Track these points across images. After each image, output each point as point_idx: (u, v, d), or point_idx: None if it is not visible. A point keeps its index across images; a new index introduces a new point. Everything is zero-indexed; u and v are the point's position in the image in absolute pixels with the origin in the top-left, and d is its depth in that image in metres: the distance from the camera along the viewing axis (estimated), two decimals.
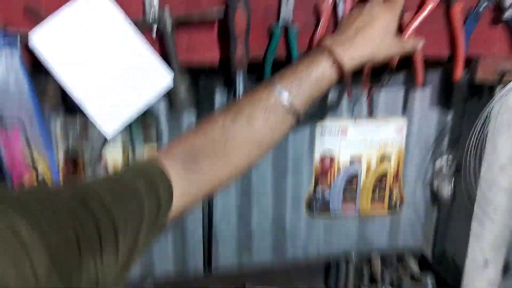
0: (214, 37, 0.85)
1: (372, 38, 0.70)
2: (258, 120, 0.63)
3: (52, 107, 0.85)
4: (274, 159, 1.12)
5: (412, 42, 0.78)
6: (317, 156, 1.13)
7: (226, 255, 1.19)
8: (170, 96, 0.86)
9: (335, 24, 0.86)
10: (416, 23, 0.84)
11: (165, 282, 1.12)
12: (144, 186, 0.54)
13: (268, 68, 0.87)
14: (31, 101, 0.80)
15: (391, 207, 1.20)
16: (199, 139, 0.63)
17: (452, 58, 0.91)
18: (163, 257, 1.16)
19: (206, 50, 0.86)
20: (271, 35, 0.85)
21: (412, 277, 1.12)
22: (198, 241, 1.17)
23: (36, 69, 0.80)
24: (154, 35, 0.82)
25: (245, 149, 0.64)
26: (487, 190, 1.06)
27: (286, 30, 0.85)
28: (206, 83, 1.03)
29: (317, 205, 1.17)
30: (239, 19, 0.79)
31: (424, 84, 0.97)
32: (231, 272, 1.17)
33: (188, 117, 1.06)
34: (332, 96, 1.09)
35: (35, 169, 0.84)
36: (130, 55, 0.80)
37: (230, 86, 1.00)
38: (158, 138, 1.06)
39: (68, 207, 0.42)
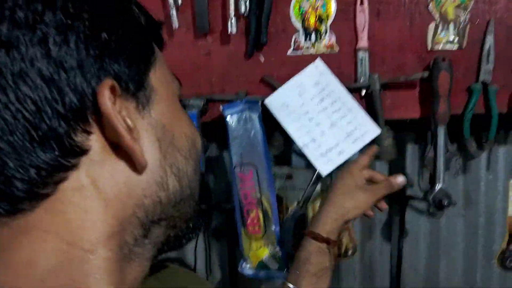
0: (416, 96, 0.97)
1: (334, 202, 0.81)
2: None
3: (276, 153, 1.05)
4: (465, 212, 1.15)
5: (386, 185, 0.83)
6: (511, 211, 1.13)
7: None
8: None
9: None
10: None
11: None
12: None
13: (467, 124, 0.95)
14: (263, 150, 1.00)
15: None
16: None
17: None
18: None
19: (409, 108, 0.97)
20: (470, 93, 0.94)
21: None
22: (385, 286, 1.24)
23: (266, 124, 1.01)
24: (362, 95, 0.97)
25: None
26: None
27: (485, 88, 0.93)
28: (399, 138, 1.13)
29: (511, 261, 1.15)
30: (443, 80, 0.90)
31: None
32: None
33: (380, 168, 1.17)
34: None
35: (261, 206, 1.03)
36: (344, 112, 0.95)
37: (425, 141, 1.10)
38: None
39: None
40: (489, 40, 0.91)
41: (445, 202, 0.94)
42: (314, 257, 0.77)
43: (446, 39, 0.93)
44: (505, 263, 1.16)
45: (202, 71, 1.03)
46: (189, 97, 1.02)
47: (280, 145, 1.04)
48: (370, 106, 0.97)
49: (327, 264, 0.78)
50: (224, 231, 1.29)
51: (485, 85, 0.92)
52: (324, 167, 0.96)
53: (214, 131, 1.16)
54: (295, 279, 0.77)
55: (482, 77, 0.92)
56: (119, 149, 0.35)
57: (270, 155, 1.02)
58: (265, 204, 1.03)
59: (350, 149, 0.95)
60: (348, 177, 0.83)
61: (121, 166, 0.35)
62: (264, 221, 1.03)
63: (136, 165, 0.35)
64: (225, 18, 0.97)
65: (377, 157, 0.99)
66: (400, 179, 0.84)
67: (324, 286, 0.78)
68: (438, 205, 0.95)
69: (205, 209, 1.24)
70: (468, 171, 1.13)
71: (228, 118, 1.00)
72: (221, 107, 1.00)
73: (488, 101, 0.93)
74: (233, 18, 0.95)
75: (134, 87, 0.36)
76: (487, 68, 0.92)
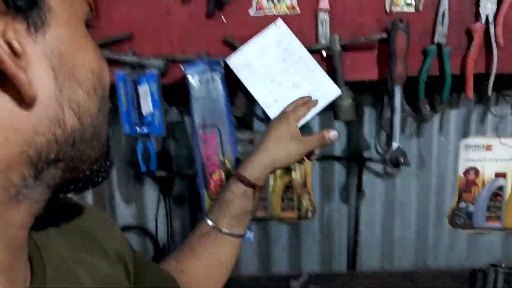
0: (374, 58, 0.99)
1: (267, 149, 0.81)
2: (203, 251, 0.76)
3: (240, 115, 1.05)
4: (419, 173, 1.20)
5: (319, 138, 0.84)
6: (461, 171, 1.19)
7: (368, 260, 1.28)
8: (334, 108, 1.01)
9: (487, 45, 0.95)
10: None
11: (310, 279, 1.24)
12: None
13: (422, 85, 0.99)
14: (226, 111, 1.00)
15: None
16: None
17: None
18: (309, 258, 1.29)
19: (367, 69, 1.00)
20: (425, 55, 0.97)
21: None
22: (343, 247, 1.28)
23: (229, 85, 1.01)
24: (323, 56, 0.99)
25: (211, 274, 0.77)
26: None
27: (439, 50, 0.96)
28: (357, 101, 1.16)
29: (460, 219, 1.22)
30: (400, 41, 0.92)
31: None
32: (374, 276, 1.25)
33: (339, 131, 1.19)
34: (477, 114, 1.16)
35: (225, 167, 1.03)
36: (305, 73, 0.96)
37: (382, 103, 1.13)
38: None
39: None
40: (444, 3, 0.94)
41: (401, 160, 0.98)
42: (239, 199, 0.78)
43: (404, 2, 0.95)
44: (455, 220, 1.23)
45: (162, 30, 1.00)
46: (148, 57, 1.00)
47: (243, 106, 1.05)
48: (330, 67, 0.99)
49: (250, 208, 0.79)
50: (186, 197, 1.29)
51: (439, 47, 0.96)
52: None
53: (174, 95, 1.15)
54: (216, 218, 0.77)
55: (437, 39, 0.96)
56: (4, 78, 0.30)
57: (232, 116, 1.02)
58: (228, 166, 1.04)
59: (312, 109, 0.96)
60: (284, 126, 0.84)
61: (5, 98, 0.31)
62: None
63: (24, 97, 0.31)
64: None
65: (336, 117, 1.02)
66: (332, 134, 0.85)
67: (243, 228, 0.79)
68: (394, 163, 0.99)
69: (166, 176, 1.24)
70: (422, 133, 1.18)
71: (190, 78, 0.99)
72: (182, 67, 0.98)
73: (442, 63, 0.97)
74: None
75: (25, 5, 0.31)
76: (441, 30, 0.95)
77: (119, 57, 1.00)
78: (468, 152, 1.18)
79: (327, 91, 0.96)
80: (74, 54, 0.35)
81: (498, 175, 1.18)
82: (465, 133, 1.18)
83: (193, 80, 0.99)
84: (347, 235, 1.28)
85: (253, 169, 0.80)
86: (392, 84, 0.96)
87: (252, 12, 0.99)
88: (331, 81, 0.96)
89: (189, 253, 0.76)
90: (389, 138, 1.01)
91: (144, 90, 1.00)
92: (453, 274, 1.21)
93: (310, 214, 1.26)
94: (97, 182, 0.42)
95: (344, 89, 0.97)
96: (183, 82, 1.00)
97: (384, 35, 0.94)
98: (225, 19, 1.00)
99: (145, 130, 1.04)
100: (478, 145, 1.18)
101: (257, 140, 1.21)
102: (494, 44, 0.94)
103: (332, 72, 0.98)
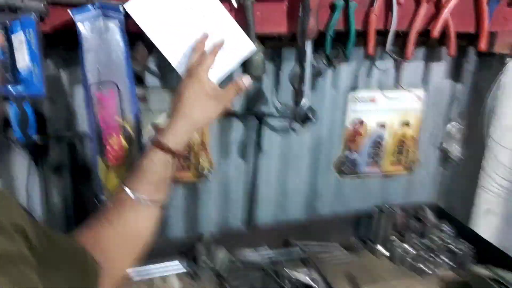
0: (284, 10, 0.95)
1: (184, 114, 0.75)
2: (120, 220, 0.69)
3: (140, 70, 0.92)
4: (312, 126, 1.23)
5: (234, 88, 0.80)
6: (348, 123, 1.26)
7: (264, 214, 1.30)
8: (245, 63, 0.95)
9: (387, 2, 0.99)
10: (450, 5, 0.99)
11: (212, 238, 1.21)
12: None
13: (329, 40, 0.99)
14: (126, 67, 0.86)
15: (409, 168, 1.36)
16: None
17: (477, 33, 1.07)
18: (207, 218, 1.25)
19: (277, 22, 0.95)
20: (333, 9, 0.96)
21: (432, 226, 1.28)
22: (240, 203, 1.27)
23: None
24: (235, 6, 0.91)
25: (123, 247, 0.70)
26: (494, 148, 1.24)
27: (346, 5, 0.97)
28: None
29: (346, 167, 1.31)
30: None
31: (442, 58, 1.14)
32: (270, 228, 1.28)
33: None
34: (363, 70, 1.22)
35: (124, 129, 0.90)
36: (215, 24, 0.87)
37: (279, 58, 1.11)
38: None
39: None
40: None
41: (312, 116, 0.98)
42: (157, 167, 0.72)
43: None
44: (341, 169, 1.31)
45: None
46: None
47: (143, 59, 0.92)
48: (240, 19, 0.91)
49: (169, 175, 0.74)
50: (65, 165, 1.12)
51: (346, 1, 0.96)
52: None
53: (52, 44, 0.95)
54: (133, 185, 0.71)
55: None
56: None
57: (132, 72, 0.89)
58: (129, 129, 0.91)
59: (225, 66, 0.88)
60: (196, 85, 0.77)
61: None
62: (129, 147, 0.92)
63: None
64: None
65: (247, 73, 0.96)
66: (246, 79, 0.81)
67: (162, 195, 0.73)
68: (304, 120, 0.99)
69: (41, 140, 1.05)
70: (316, 87, 1.20)
71: (80, 26, 0.82)
72: (69, 12, 0.81)
73: (348, 18, 0.98)
74: None
75: None
76: None
77: None
78: (356, 104, 1.25)
79: (240, 46, 0.89)
80: None
81: (379, 125, 1.28)
82: (353, 87, 1.23)
83: (84, 28, 0.82)
84: (244, 191, 1.27)
85: (174, 136, 0.74)
86: (303, 39, 0.93)
87: None
88: (245, 36, 0.89)
89: (104, 221, 0.69)
90: (298, 95, 1.00)
91: (19, 39, 0.80)
92: (341, 218, 1.31)
93: (207, 173, 1.21)
94: None
95: (256, 43, 0.92)
96: (69, 30, 0.83)
97: None
98: None
99: (21, 89, 0.85)
100: (364, 97, 1.25)
101: (151, 97, 1.10)
102: (394, 1, 0.98)
103: (242, 25, 0.91)
